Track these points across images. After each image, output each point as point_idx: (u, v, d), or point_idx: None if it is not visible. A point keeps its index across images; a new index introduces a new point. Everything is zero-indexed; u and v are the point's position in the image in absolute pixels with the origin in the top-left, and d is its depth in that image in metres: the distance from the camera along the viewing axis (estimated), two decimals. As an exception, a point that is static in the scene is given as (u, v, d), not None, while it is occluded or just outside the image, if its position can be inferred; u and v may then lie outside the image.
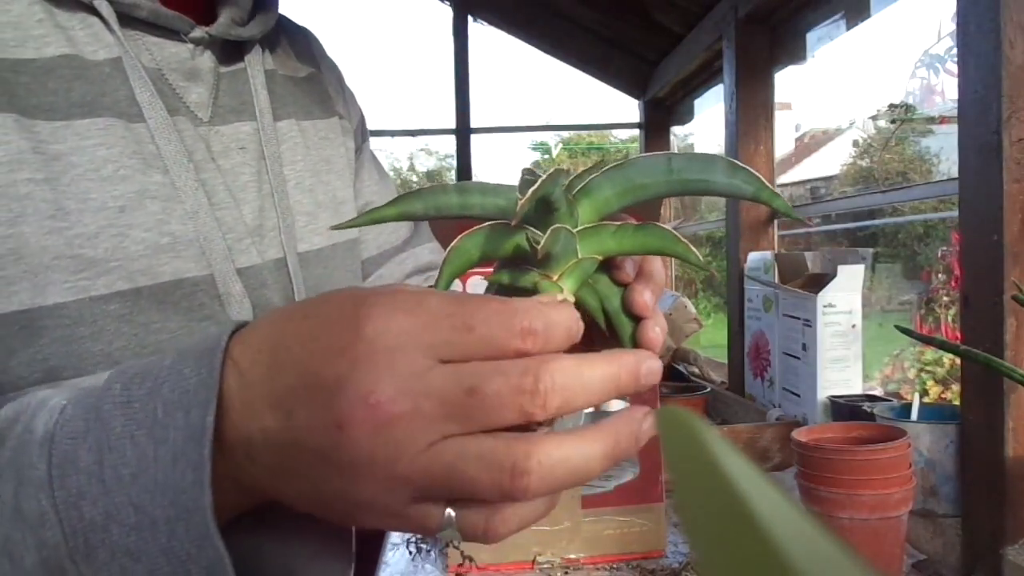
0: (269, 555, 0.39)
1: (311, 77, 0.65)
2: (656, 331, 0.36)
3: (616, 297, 0.37)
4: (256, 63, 0.58)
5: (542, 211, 0.34)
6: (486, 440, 0.29)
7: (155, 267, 0.47)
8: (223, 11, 0.56)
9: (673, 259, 0.37)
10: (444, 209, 0.35)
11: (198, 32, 0.53)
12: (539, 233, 0.34)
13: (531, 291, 0.34)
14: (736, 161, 0.34)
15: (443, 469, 0.29)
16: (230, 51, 0.57)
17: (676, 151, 0.36)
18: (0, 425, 0.34)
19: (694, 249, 0.35)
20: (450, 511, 0.30)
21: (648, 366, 0.33)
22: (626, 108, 2.83)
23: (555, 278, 0.34)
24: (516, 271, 0.35)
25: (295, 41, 0.66)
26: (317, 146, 0.62)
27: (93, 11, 0.49)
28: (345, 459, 0.29)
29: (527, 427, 0.30)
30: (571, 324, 0.32)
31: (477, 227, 0.35)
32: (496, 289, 0.36)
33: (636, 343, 0.36)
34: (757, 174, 0.34)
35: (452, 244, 0.35)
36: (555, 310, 0.31)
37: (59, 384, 0.44)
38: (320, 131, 0.63)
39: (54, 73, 0.47)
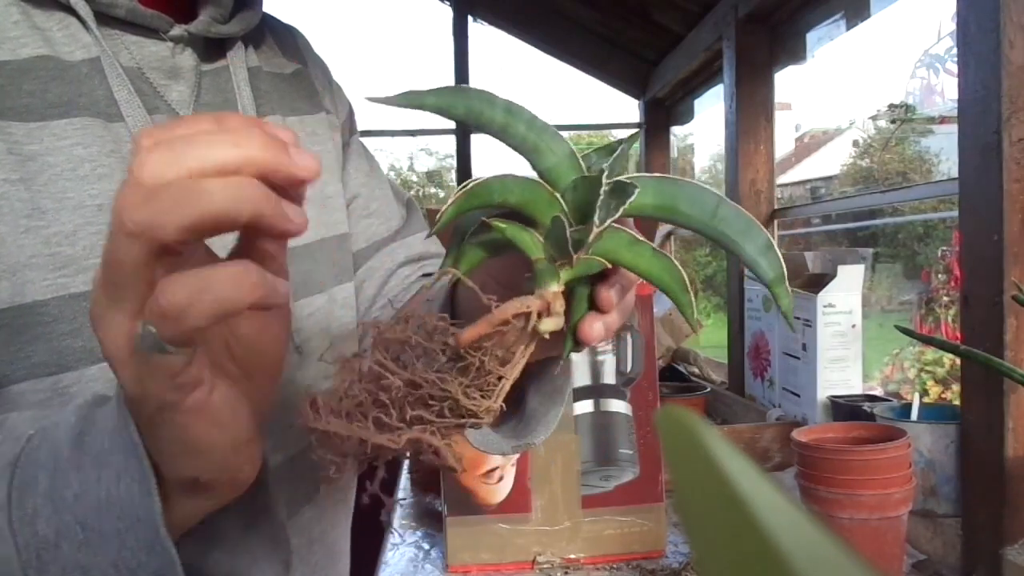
0: (214, 563, 0.40)
1: (297, 73, 0.65)
2: (596, 326, 0.36)
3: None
4: (239, 60, 0.58)
5: (588, 189, 0.33)
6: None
7: None
8: (203, 9, 0.55)
9: (673, 258, 0.37)
10: (484, 122, 0.34)
11: (178, 30, 0.53)
12: (580, 228, 0.33)
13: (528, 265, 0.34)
14: (774, 243, 0.35)
15: (105, 266, 0.30)
16: (212, 49, 0.57)
17: (722, 195, 0.35)
18: None
19: (695, 304, 0.35)
20: (144, 323, 0.30)
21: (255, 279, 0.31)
22: (626, 108, 2.83)
23: (557, 264, 0.34)
24: (520, 231, 0.34)
25: (281, 38, 0.66)
26: (304, 142, 0.62)
27: (71, 11, 0.49)
28: (93, 327, 0.31)
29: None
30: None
31: (515, 176, 0.34)
32: (490, 241, 0.35)
33: (578, 327, 0.36)
34: (783, 266, 0.35)
35: (480, 180, 0.34)
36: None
37: (45, 400, 0.45)
38: (307, 127, 0.63)
39: (30, 74, 0.47)
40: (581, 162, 0.35)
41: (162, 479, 0.34)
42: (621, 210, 0.32)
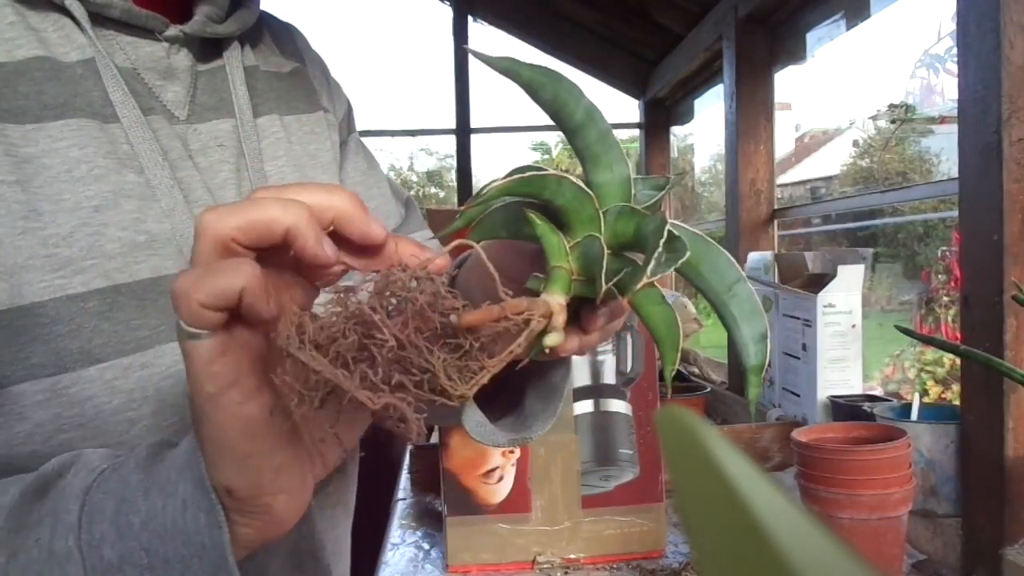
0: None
1: (295, 72, 0.65)
2: (572, 344, 0.38)
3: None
4: (235, 60, 0.58)
5: (637, 226, 0.34)
6: None
7: (132, 265, 0.48)
8: (199, 9, 0.55)
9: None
10: (564, 115, 0.34)
11: (173, 31, 0.53)
12: (629, 272, 0.33)
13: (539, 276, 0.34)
14: (769, 335, 0.36)
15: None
16: (208, 49, 0.57)
17: (744, 274, 0.36)
18: (47, 473, 0.39)
19: (678, 360, 0.36)
20: None
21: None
22: (626, 108, 2.83)
23: (573, 278, 0.34)
24: (551, 232, 0.34)
25: (279, 37, 0.66)
26: (301, 141, 0.62)
27: (65, 12, 0.49)
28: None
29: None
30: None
31: (572, 180, 0.34)
32: (511, 221, 0.35)
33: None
34: (767, 358, 0.36)
35: (540, 171, 0.34)
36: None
37: (101, 444, 0.47)
38: (305, 126, 0.63)
39: (25, 76, 0.47)
40: (632, 189, 0.35)
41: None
42: (672, 267, 0.32)
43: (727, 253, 0.36)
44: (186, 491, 0.35)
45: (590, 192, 0.34)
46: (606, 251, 0.33)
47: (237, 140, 0.56)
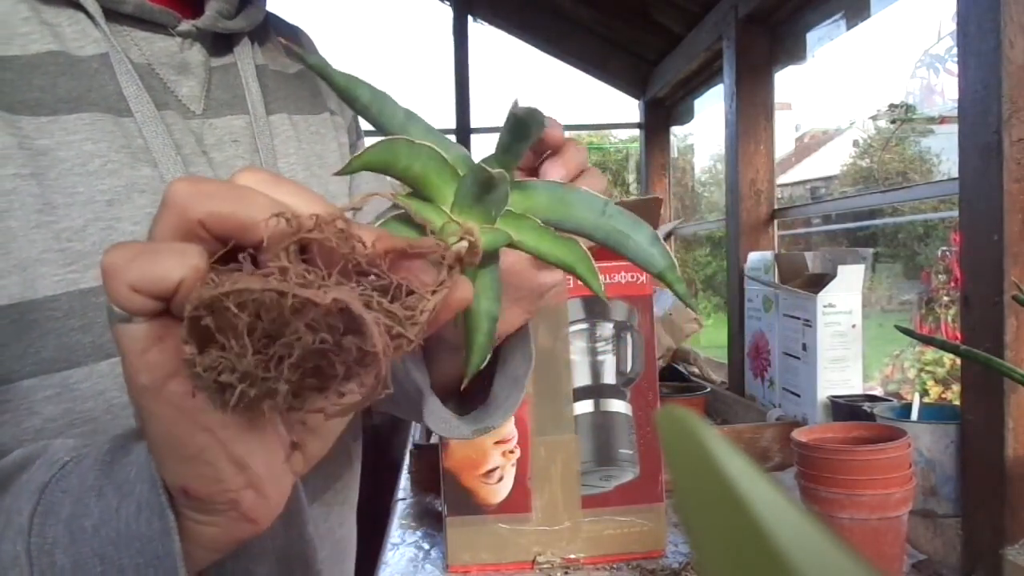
0: None
1: (301, 74, 0.66)
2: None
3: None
4: (246, 57, 0.59)
5: (482, 188, 0.33)
6: None
7: None
8: (209, 5, 0.56)
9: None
10: (386, 118, 0.33)
11: (185, 25, 0.53)
12: (488, 168, 0.32)
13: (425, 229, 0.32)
14: (660, 236, 0.36)
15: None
16: (219, 45, 0.57)
17: (612, 200, 0.37)
18: (7, 468, 0.37)
19: (600, 280, 0.36)
20: None
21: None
22: (626, 108, 2.83)
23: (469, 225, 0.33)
24: (424, 206, 0.33)
25: (286, 38, 0.67)
26: (309, 140, 0.63)
27: (79, 7, 0.50)
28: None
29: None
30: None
31: (423, 142, 0.33)
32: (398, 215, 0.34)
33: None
34: (672, 256, 0.36)
35: (392, 139, 0.32)
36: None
37: (71, 429, 0.45)
38: (311, 126, 0.64)
39: (40, 69, 0.47)
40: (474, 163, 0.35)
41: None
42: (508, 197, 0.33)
43: (583, 188, 0.36)
44: (142, 492, 0.32)
45: (440, 149, 0.33)
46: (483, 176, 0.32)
47: (251, 136, 0.57)
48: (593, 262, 0.36)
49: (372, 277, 0.27)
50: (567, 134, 0.41)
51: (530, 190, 0.36)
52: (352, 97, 0.33)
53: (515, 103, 0.32)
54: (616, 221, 0.36)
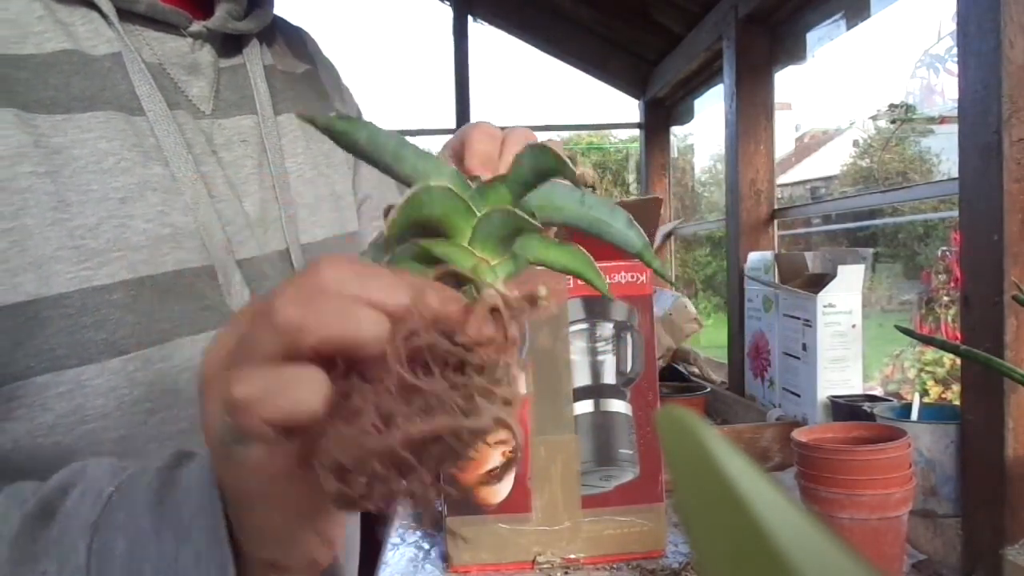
0: None
1: (308, 74, 0.66)
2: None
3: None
4: (255, 58, 0.59)
5: (514, 232, 0.35)
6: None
7: (157, 257, 0.48)
8: (220, 6, 0.56)
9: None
10: (379, 150, 0.35)
11: (196, 26, 0.54)
12: (515, 210, 0.34)
13: (463, 276, 0.34)
14: (633, 220, 0.38)
15: (231, 357, 0.29)
16: (228, 46, 0.58)
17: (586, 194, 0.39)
18: (49, 496, 0.37)
19: (604, 279, 0.38)
20: (222, 413, 0.30)
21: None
22: (626, 108, 2.83)
23: (493, 263, 0.35)
24: (450, 247, 0.35)
25: (291, 40, 0.67)
26: (317, 140, 0.63)
27: (93, 6, 0.50)
28: (202, 416, 0.31)
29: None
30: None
31: (439, 183, 0.34)
32: (420, 255, 0.35)
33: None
34: (645, 236, 0.38)
35: (415, 191, 0.34)
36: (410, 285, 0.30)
37: (99, 448, 0.45)
38: None
39: (54, 68, 0.47)
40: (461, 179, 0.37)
41: (240, 554, 0.34)
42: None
43: (558, 182, 0.37)
44: (199, 540, 0.33)
45: (453, 188, 0.35)
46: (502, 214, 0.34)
47: (259, 136, 0.57)
48: (595, 265, 0.37)
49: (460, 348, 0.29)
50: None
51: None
52: (352, 141, 0.35)
53: (541, 148, 0.34)
54: (596, 210, 0.38)
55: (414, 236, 0.35)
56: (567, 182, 0.36)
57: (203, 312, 0.50)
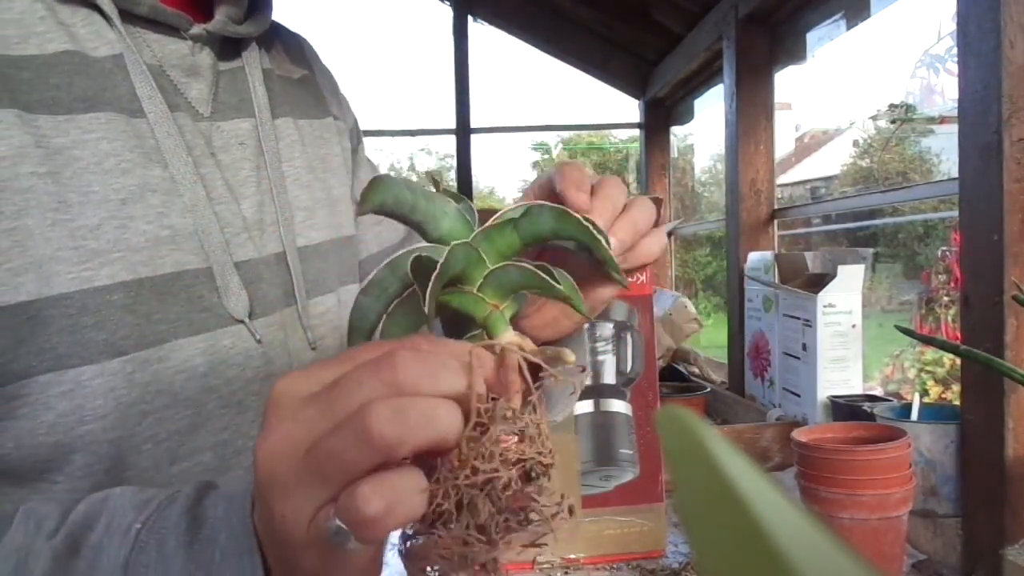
0: None
1: (305, 79, 0.66)
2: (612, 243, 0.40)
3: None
4: (253, 61, 0.59)
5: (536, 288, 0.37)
6: (345, 418, 0.31)
7: (156, 259, 0.48)
8: (220, 9, 0.56)
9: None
10: (401, 206, 0.37)
11: (197, 29, 0.54)
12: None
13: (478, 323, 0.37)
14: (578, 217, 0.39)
15: (316, 457, 0.30)
16: (228, 49, 0.58)
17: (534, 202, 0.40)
18: (73, 529, 0.37)
19: (564, 290, 0.37)
20: (336, 520, 0.31)
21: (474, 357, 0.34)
22: (626, 108, 2.83)
23: (502, 307, 0.37)
24: (464, 297, 0.37)
25: (289, 45, 0.68)
26: (313, 144, 0.63)
27: (95, 8, 0.50)
28: (266, 489, 0.32)
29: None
30: (458, 345, 0.34)
31: (460, 241, 0.36)
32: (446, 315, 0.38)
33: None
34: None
35: (440, 259, 0.35)
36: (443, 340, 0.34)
37: (96, 448, 0.46)
38: (315, 130, 0.64)
39: (56, 69, 0.47)
40: (467, 217, 0.38)
41: None
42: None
43: (546, 207, 0.38)
44: None
45: (471, 244, 0.36)
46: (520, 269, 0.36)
47: (257, 139, 0.57)
48: (577, 288, 0.39)
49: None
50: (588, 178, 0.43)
51: (500, 236, 0.38)
52: (383, 207, 0.36)
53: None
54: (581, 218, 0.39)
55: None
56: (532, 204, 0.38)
57: (200, 314, 0.50)
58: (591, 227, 0.36)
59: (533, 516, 0.33)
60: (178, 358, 0.48)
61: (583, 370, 0.37)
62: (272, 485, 0.31)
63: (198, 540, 0.35)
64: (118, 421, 0.46)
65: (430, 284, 0.33)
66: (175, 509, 0.37)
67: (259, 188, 0.56)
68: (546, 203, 0.37)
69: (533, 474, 0.34)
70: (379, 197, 0.35)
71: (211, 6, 0.57)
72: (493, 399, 0.32)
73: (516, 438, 0.33)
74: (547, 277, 0.36)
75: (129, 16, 0.51)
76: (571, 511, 0.35)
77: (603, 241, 0.37)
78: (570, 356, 0.35)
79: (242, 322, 0.52)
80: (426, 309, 0.33)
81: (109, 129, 0.48)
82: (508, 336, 0.36)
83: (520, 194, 0.48)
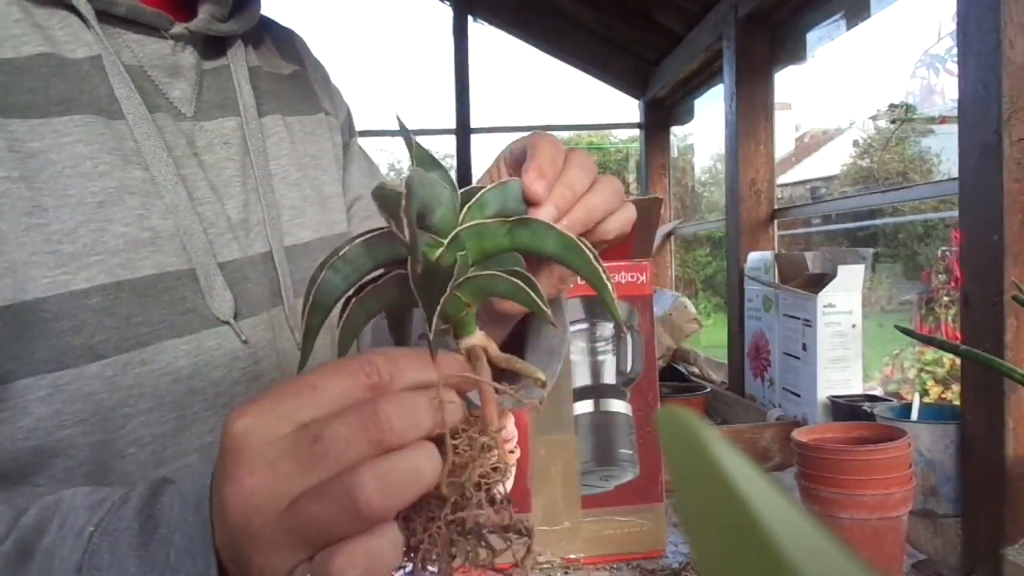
0: None
1: (296, 75, 0.66)
2: (546, 212, 0.39)
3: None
4: (239, 59, 0.58)
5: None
6: (329, 481, 0.31)
7: (135, 261, 0.48)
8: (203, 7, 0.56)
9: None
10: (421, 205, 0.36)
11: (178, 28, 0.53)
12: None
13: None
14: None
15: (298, 520, 0.30)
16: (213, 47, 0.57)
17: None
18: (24, 533, 0.37)
19: (547, 308, 0.37)
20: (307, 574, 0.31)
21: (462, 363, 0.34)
22: (626, 108, 2.83)
23: (474, 307, 0.36)
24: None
25: (279, 40, 0.67)
26: (303, 141, 0.62)
27: (72, 9, 0.49)
28: (236, 542, 0.31)
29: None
30: (421, 353, 0.33)
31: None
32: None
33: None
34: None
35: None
36: (403, 348, 0.33)
37: (77, 452, 0.46)
38: (306, 127, 0.64)
39: (31, 72, 0.47)
40: (455, 199, 0.37)
41: None
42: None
43: (553, 230, 0.37)
44: None
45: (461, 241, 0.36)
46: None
47: (242, 138, 0.57)
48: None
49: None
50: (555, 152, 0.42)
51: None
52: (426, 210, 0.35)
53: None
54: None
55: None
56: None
57: (184, 316, 0.49)
58: (600, 270, 0.36)
59: (495, 538, 0.35)
60: (162, 360, 0.48)
61: (543, 386, 0.36)
62: (247, 537, 0.31)
63: (153, 541, 0.35)
64: (99, 425, 0.46)
65: (440, 301, 0.32)
66: (128, 510, 0.36)
67: (245, 187, 0.56)
68: (553, 226, 0.37)
69: (498, 498, 0.35)
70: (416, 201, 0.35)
71: (195, 4, 0.56)
72: (463, 429, 0.33)
73: (490, 466, 0.33)
74: (532, 293, 0.35)
75: (108, 17, 0.51)
76: (529, 532, 0.36)
77: (610, 288, 0.37)
78: (538, 374, 0.35)
79: (227, 323, 0.51)
80: (433, 323, 0.33)
81: (86, 132, 0.48)
82: (476, 339, 0.36)
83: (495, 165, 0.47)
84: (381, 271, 0.36)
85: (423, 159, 0.37)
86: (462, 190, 0.37)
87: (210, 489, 0.34)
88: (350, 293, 0.37)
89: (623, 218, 0.44)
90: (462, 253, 0.35)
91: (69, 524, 0.36)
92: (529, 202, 0.38)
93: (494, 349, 0.36)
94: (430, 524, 0.32)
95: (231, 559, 0.33)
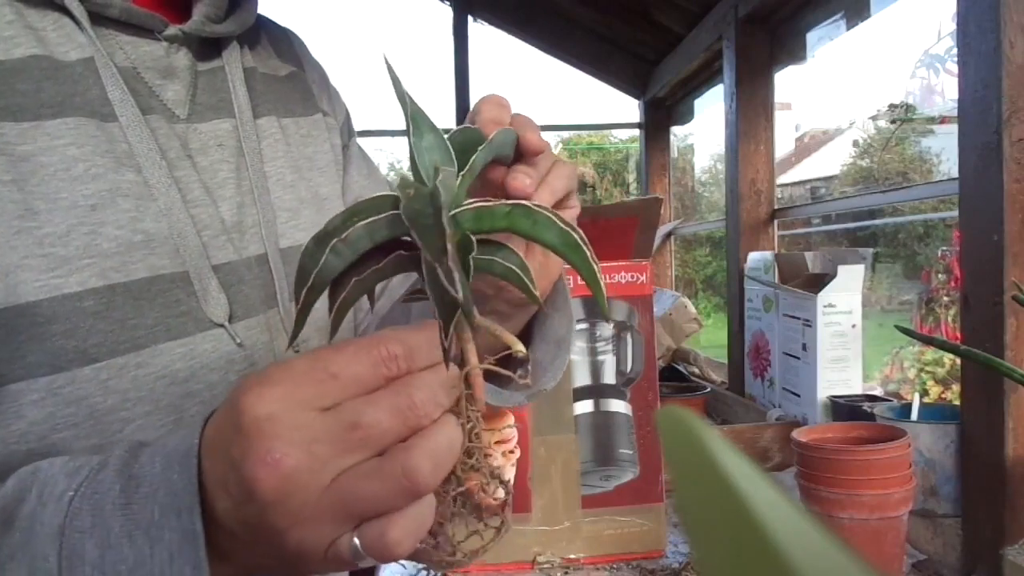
0: None
1: (293, 76, 0.65)
2: (521, 179, 0.42)
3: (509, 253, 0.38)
4: (234, 61, 0.58)
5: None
6: (374, 460, 0.33)
7: (129, 264, 0.48)
8: (197, 8, 0.55)
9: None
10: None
11: (172, 30, 0.53)
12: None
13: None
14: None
15: (347, 498, 0.32)
16: (207, 49, 0.57)
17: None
18: (4, 503, 0.37)
19: (536, 291, 0.37)
20: (355, 539, 0.33)
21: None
22: (626, 108, 2.83)
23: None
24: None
25: (276, 41, 0.66)
26: (299, 143, 0.62)
27: (65, 11, 0.49)
28: (267, 517, 0.32)
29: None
30: (431, 336, 0.35)
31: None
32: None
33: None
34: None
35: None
36: (411, 330, 0.35)
37: (52, 445, 0.45)
38: (302, 128, 0.63)
39: (23, 74, 0.47)
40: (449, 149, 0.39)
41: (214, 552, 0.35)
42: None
43: (556, 224, 0.38)
44: (172, 540, 0.34)
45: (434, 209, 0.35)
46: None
47: (237, 140, 0.56)
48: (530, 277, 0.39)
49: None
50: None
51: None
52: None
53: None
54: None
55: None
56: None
57: (178, 319, 0.49)
58: (597, 272, 0.37)
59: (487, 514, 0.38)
60: (157, 364, 0.48)
61: (527, 360, 0.37)
62: (285, 514, 0.32)
63: (135, 500, 0.35)
64: (94, 429, 0.46)
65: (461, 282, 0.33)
66: (108, 472, 0.36)
67: (239, 189, 0.55)
68: (556, 219, 0.37)
69: (495, 474, 0.38)
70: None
71: (189, 6, 0.56)
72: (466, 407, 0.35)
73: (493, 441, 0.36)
74: (529, 283, 0.36)
75: (101, 19, 0.50)
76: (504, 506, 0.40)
77: (602, 287, 0.39)
78: (518, 345, 0.36)
79: (222, 326, 0.51)
80: (459, 295, 0.33)
81: (78, 134, 0.47)
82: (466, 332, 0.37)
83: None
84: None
85: (417, 118, 0.38)
86: (447, 136, 0.39)
87: (198, 450, 0.35)
88: (350, 270, 0.37)
89: (564, 173, 0.48)
90: (464, 234, 0.36)
91: (48, 491, 0.36)
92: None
93: (477, 315, 0.36)
94: (443, 496, 0.35)
95: (248, 529, 0.34)
